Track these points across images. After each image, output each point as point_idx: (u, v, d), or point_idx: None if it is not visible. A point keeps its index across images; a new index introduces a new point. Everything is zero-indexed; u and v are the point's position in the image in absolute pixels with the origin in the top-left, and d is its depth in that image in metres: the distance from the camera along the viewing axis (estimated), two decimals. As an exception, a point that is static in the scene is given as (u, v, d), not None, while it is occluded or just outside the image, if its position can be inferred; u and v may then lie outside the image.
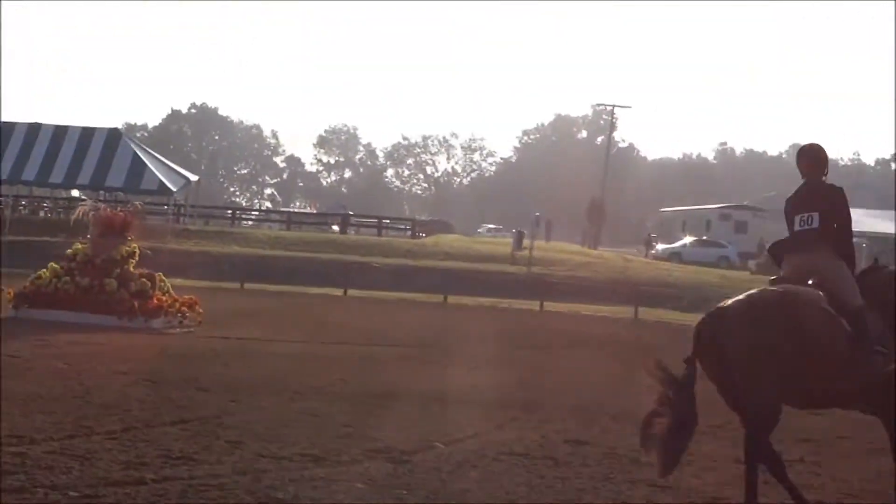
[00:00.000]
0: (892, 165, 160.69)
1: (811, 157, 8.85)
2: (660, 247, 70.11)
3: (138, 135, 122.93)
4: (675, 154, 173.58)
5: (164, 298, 20.37)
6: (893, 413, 7.74)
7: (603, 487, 7.90)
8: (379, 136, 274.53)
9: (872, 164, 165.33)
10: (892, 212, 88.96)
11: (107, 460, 7.62)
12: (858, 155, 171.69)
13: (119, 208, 25.97)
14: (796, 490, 7.94)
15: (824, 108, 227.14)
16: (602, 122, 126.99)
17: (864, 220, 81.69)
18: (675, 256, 63.83)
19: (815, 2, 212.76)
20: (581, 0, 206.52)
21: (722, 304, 8.16)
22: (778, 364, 7.48)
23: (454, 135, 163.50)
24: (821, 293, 7.79)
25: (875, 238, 67.84)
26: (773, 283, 8.41)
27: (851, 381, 7.69)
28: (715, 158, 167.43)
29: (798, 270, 8.27)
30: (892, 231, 74.34)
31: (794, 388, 7.72)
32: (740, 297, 8.15)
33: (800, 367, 7.52)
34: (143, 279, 20.31)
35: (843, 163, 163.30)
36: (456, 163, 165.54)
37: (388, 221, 70.99)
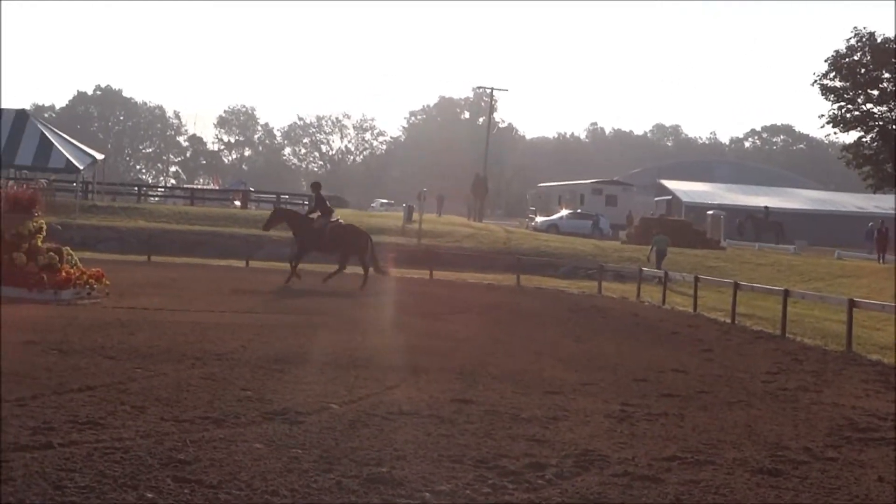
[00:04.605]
0: (745, 144, 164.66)
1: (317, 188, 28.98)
2: (539, 219, 70.68)
3: (46, 115, 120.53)
4: (551, 133, 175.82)
5: (72, 271, 19.79)
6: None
7: (484, 443, 7.90)
8: (276, 116, 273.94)
9: (727, 142, 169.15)
10: (747, 186, 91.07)
11: (16, 426, 7.41)
12: (715, 134, 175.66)
13: (26, 185, 25.37)
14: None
15: (683, 92, 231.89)
16: (483, 104, 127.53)
17: (723, 194, 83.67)
18: (552, 228, 64.43)
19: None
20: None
21: (357, 225, 30.29)
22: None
23: (346, 115, 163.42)
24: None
25: (733, 209, 69.40)
26: (329, 221, 27.00)
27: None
28: (587, 137, 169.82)
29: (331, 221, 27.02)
30: (748, 204, 75.98)
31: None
32: (350, 223, 30.32)
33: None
34: (52, 253, 19.74)
35: (701, 141, 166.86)
36: (349, 142, 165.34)
37: (286, 197, 69.98)
